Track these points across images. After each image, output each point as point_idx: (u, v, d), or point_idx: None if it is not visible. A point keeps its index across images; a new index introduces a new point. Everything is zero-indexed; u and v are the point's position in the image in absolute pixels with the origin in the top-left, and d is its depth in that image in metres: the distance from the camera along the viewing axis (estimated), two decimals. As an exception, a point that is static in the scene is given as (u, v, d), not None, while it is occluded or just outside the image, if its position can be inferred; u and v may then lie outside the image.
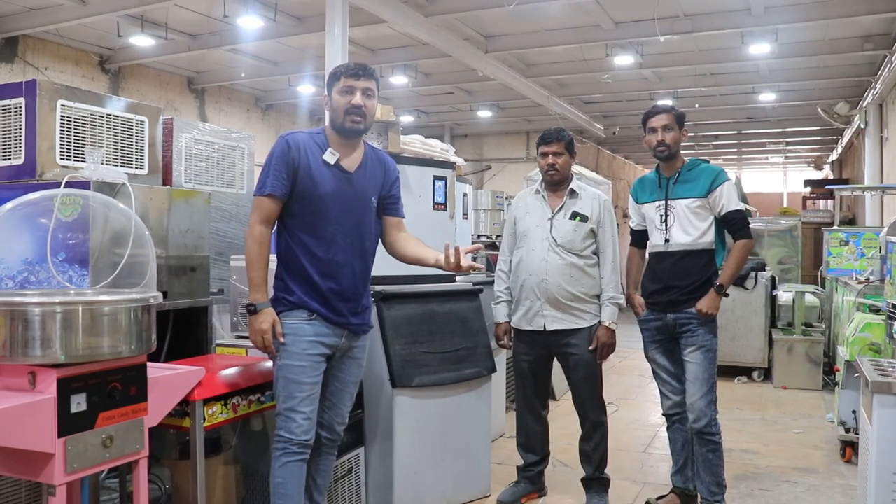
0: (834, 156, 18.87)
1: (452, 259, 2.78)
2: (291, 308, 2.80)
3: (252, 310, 2.75)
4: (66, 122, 3.15)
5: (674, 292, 3.56)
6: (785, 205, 22.09)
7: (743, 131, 17.15)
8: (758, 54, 9.90)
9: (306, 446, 2.78)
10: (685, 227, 3.57)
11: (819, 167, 19.93)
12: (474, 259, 2.95)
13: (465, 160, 11.56)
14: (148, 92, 11.34)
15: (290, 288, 2.82)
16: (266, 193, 2.77)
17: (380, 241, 3.07)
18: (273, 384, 2.83)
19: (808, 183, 17.98)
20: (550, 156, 3.75)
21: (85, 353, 2.17)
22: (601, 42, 9.67)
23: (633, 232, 3.90)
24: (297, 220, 2.82)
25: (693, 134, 16.54)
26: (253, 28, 9.07)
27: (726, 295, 3.57)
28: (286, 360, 2.77)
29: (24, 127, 3.09)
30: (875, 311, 4.90)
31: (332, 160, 2.83)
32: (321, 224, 2.80)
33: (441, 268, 2.87)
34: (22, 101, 3.10)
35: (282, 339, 2.76)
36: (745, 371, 7.58)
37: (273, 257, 2.91)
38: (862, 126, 12.23)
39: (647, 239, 3.79)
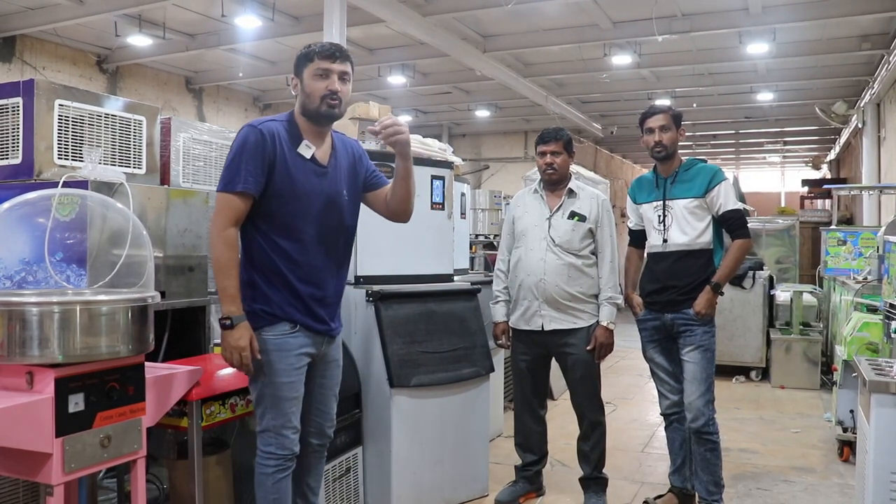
0: (832, 155, 18.88)
1: (382, 136, 2.63)
2: (273, 321, 2.59)
3: (227, 324, 2.48)
4: (63, 121, 3.14)
5: (672, 292, 3.56)
6: (783, 204, 22.11)
7: (741, 131, 17.16)
8: (756, 54, 9.91)
9: (296, 456, 2.69)
10: (683, 227, 3.58)
11: (817, 167, 19.94)
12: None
13: (463, 160, 11.56)
14: (146, 91, 11.33)
15: (268, 298, 2.59)
16: (238, 191, 2.51)
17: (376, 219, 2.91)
18: (255, 401, 2.66)
19: (805, 182, 18.00)
20: (549, 155, 3.75)
21: (83, 352, 2.17)
22: (599, 42, 9.68)
23: (631, 232, 3.91)
24: (274, 222, 2.59)
25: (691, 134, 16.55)
26: (251, 28, 9.07)
27: (722, 293, 3.57)
28: (275, 377, 2.59)
29: (21, 126, 3.08)
30: (873, 310, 4.91)
31: (307, 154, 2.62)
32: (300, 225, 2.61)
33: (397, 156, 2.70)
34: (19, 100, 3.08)
35: (258, 356, 2.54)
36: (743, 371, 7.59)
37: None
38: (860, 126, 12.24)
39: (646, 239, 3.79)
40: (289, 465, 2.66)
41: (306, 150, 2.63)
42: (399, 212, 2.86)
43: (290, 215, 2.60)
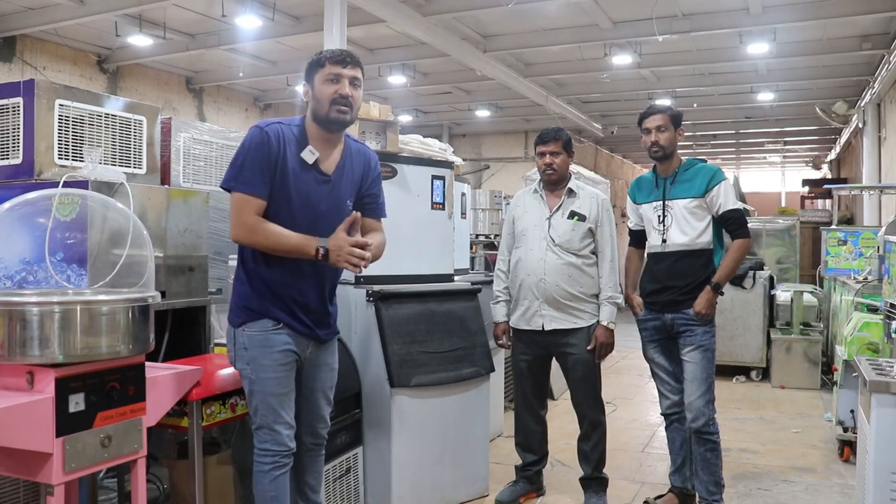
0: (832, 155, 18.88)
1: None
2: (255, 318, 2.62)
3: (324, 253, 2.49)
4: (64, 121, 3.15)
5: (672, 292, 3.56)
6: (783, 204, 22.12)
7: (741, 131, 17.16)
8: (756, 54, 9.90)
9: (292, 453, 2.70)
10: (683, 227, 3.57)
11: (817, 167, 19.94)
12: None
13: (464, 160, 11.59)
14: (146, 91, 11.33)
15: (252, 296, 2.63)
16: (249, 192, 2.53)
17: None
18: (248, 399, 2.67)
19: (806, 182, 18.01)
20: (548, 155, 3.75)
21: (83, 352, 2.17)
22: (599, 41, 9.67)
23: (631, 232, 3.91)
24: None
25: (691, 134, 16.54)
26: (251, 27, 9.06)
27: (722, 293, 3.57)
28: (259, 373, 2.61)
29: (22, 126, 3.09)
30: (873, 310, 4.91)
31: (310, 159, 2.61)
32: (292, 230, 2.57)
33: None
34: (20, 100, 3.09)
35: (359, 237, 2.50)
36: (744, 370, 7.59)
37: (232, 261, 2.76)
38: (860, 125, 12.24)
39: (646, 239, 3.79)
40: (285, 461, 2.66)
41: (309, 155, 2.61)
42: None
43: (282, 221, 2.57)
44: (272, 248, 2.56)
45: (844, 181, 15.92)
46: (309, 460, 2.87)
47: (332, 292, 2.80)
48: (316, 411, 2.84)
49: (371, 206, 2.81)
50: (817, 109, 12.78)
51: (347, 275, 3.56)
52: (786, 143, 19.18)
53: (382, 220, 2.88)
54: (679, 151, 3.71)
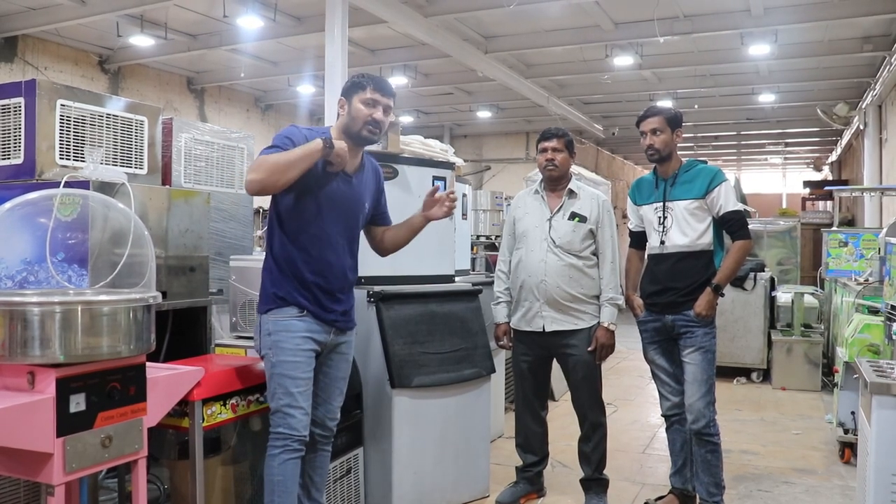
0: (833, 157, 18.88)
1: (437, 204, 3.03)
2: (281, 305, 2.82)
3: (329, 146, 2.70)
4: (65, 121, 3.15)
5: (672, 294, 3.56)
6: (784, 206, 22.09)
7: (742, 132, 17.16)
8: (757, 55, 9.91)
9: (304, 442, 2.80)
10: (683, 228, 3.57)
11: (818, 168, 19.96)
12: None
13: (465, 161, 11.55)
14: (147, 92, 11.34)
15: (279, 284, 2.83)
16: (269, 152, 2.74)
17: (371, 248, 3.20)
18: (267, 383, 2.83)
19: (807, 184, 18.00)
20: (550, 151, 3.75)
21: (84, 352, 2.17)
22: (601, 43, 9.69)
23: (631, 233, 3.90)
24: (297, 218, 2.82)
25: (692, 135, 16.55)
26: (252, 28, 9.08)
27: (722, 295, 3.57)
28: (280, 356, 2.78)
29: (23, 126, 3.09)
30: (874, 312, 4.91)
31: None
32: (319, 223, 2.83)
33: (429, 218, 3.11)
34: (21, 100, 3.09)
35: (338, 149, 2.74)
36: (744, 372, 7.58)
37: (260, 255, 2.91)
38: (861, 127, 12.24)
39: (647, 240, 3.79)
40: (295, 446, 2.77)
41: None
42: (388, 251, 3.22)
43: (309, 211, 2.82)
44: (282, 169, 2.64)
45: (845, 183, 15.92)
46: (315, 454, 2.96)
47: (351, 282, 3.00)
48: (328, 401, 2.97)
49: (383, 216, 3.17)
50: (818, 111, 12.78)
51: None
52: (787, 144, 19.19)
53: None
54: (680, 153, 3.70)
